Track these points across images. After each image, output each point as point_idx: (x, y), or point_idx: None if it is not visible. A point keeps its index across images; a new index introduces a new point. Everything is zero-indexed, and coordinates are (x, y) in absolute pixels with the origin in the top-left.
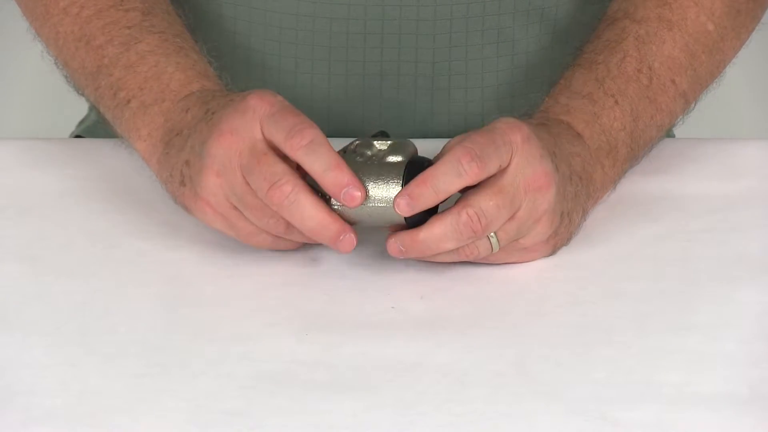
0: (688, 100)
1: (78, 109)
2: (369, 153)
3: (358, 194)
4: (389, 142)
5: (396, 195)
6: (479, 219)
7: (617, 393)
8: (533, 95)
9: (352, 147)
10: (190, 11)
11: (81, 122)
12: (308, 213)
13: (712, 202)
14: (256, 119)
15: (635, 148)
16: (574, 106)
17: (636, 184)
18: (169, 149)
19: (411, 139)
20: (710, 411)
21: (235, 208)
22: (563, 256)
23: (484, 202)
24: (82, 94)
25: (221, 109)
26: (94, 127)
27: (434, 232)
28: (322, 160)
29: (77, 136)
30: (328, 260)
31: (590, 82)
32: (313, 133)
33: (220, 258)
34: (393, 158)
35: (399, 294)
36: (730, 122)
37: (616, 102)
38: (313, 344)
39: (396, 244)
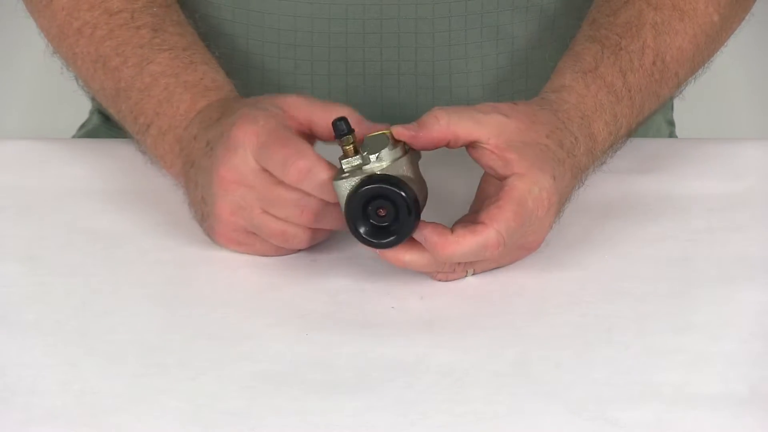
0: (680, 87)
1: (79, 112)
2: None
3: None
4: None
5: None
6: (460, 264)
7: (617, 393)
8: (532, 91)
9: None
10: (188, 16)
11: (82, 126)
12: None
13: (712, 202)
14: (248, 154)
15: (627, 137)
16: (603, 102)
17: (636, 184)
18: (188, 182)
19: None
20: (710, 411)
21: (254, 234)
22: (563, 256)
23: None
24: (108, 114)
25: (216, 143)
26: (96, 132)
27: (419, 261)
28: (325, 189)
29: None
30: (328, 260)
31: (616, 74)
32: (304, 164)
33: (220, 258)
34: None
35: (399, 294)
36: (730, 122)
37: (632, 99)
38: (313, 344)
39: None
